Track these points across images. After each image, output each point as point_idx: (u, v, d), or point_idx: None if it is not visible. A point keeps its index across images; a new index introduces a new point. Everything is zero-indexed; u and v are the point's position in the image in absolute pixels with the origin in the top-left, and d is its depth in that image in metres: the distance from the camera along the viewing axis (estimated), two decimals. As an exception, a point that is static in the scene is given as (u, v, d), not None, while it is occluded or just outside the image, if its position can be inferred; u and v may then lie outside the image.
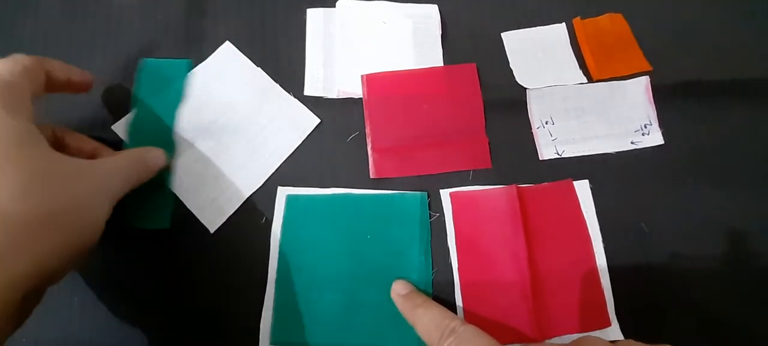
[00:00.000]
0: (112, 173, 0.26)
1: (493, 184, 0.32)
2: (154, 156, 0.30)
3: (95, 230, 0.24)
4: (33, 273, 0.20)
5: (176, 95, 0.34)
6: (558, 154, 0.34)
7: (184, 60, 0.35)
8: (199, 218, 0.31)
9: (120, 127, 0.32)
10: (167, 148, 0.32)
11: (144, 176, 0.28)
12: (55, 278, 0.23)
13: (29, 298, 0.22)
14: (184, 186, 0.32)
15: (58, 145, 0.28)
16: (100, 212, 0.24)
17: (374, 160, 0.33)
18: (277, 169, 0.32)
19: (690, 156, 0.34)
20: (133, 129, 0.32)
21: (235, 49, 0.35)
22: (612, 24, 0.38)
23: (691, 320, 0.30)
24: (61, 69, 0.28)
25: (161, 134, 0.32)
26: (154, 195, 0.31)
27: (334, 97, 0.35)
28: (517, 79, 0.36)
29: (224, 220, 0.31)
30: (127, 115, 0.33)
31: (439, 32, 0.37)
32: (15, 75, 0.24)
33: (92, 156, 0.29)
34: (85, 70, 0.30)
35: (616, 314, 0.30)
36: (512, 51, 0.37)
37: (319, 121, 0.34)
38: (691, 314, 0.30)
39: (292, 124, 0.34)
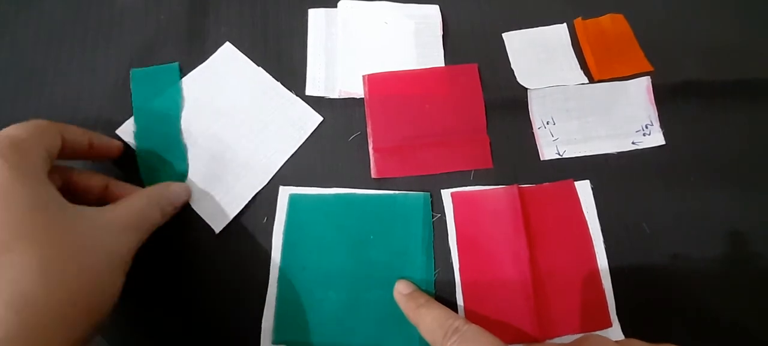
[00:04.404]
0: (131, 229, 0.24)
1: (494, 184, 0.33)
2: (176, 192, 0.29)
3: (117, 289, 0.23)
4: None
5: (174, 99, 0.34)
6: (559, 154, 0.34)
7: (173, 64, 0.35)
8: (204, 219, 0.31)
9: (125, 131, 0.32)
10: (178, 153, 0.32)
11: (168, 213, 0.28)
12: (84, 341, 0.22)
13: None
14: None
15: (67, 186, 0.27)
16: (120, 271, 0.23)
17: (375, 160, 0.33)
18: (278, 169, 0.32)
19: (691, 156, 0.34)
20: (141, 136, 0.32)
21: (236, 49, 0.35)
22: (613, 24, 0.38)
23: (692, 320, 0.30)
24: (80, 133, 0.27)
25: (170, 140, 0.32)
26: None
27: (336, 97, 0.35)
28: (519, 79, 0.36)
29: (229, 220, 0.31)
30: (130, 122, 0.33)
31: (440, 32, 0.37)
32: (27, 135, 0.23)
33: (103, 193, 0.28)
34: (112, 140, 0.30)
35: (617, 314, 0.30)
36: (513, 51, 0.37)
37: (321, 118, 0.34)
38: (692, 315, 0.30)
39: (295, 123, 0.34)
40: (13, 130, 0.23)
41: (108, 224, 0.23)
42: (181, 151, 0.32)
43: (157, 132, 0.32)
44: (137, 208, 0.25)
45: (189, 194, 0.30)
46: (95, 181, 0.28)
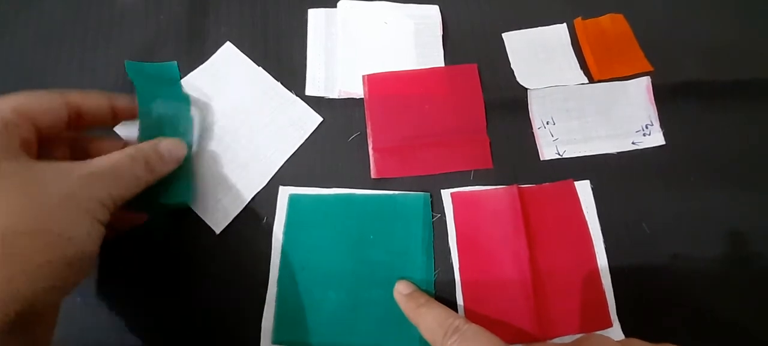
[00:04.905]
0: (99, 177, 0.23)
1: (494, 184, 0.33)
2: (167, 147, 0.27)
3: (84, 240, 0.22)
4: (8, 298, 0.19)
5: (179, 96, 0.33)
6: (559, 154, 0.34)
7: (172, 63, 0.34)
8: (204, 219, 0.31)
9: (123, 129, 0.32)
10: (185, 133, 0.31)
11: (160, 171, 0.26)
12: (50, 296, 0.21)
13: (29, 320, 0.20)
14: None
15: (71, 113, 0.26)
16: (82, 221, 0.22)
17: (375, 160, 0.33)
18: (278, 170, 0.32)
19: (691, 156, 0.34)
20: (146, 133, 0.30)
21: (236, 49, 0.35)
22: (613, 24, 0.38)
23: (692, 320, 0.30)
24: (99, 98, 0.27)
25: (176, 128, 0.31)
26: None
27: (336, 97, 0.35)
28: (518, 79, 0.36)
29: (229, 221, 0.31)
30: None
31: (440, 32, 0.37)
32: (2, 99, 0.23)
33: (109, 114, 0.27)
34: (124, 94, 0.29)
35: (617, 314, 0.30)
36: (513, 51, 0.37)
37: (321, 119, 0.34)
38: (692, 314, 0.30)
39: (294, 123, 0.34)
40: None
41: (72, 172, 0.22)
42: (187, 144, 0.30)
43: (164, 128, 0.31)
44: (112, 159, 0.24)
45: (183, 149, 0.29)
46: (101, 101, 0.27)
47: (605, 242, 0.31)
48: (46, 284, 0.20)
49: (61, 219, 0.21)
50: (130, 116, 0.29)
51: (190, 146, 0.30)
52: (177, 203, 0.30)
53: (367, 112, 0.34)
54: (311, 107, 0.34)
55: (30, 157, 0.22)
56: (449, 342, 0.24)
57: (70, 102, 0.26)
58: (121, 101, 0.28)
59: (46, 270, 0.20)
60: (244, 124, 0.34)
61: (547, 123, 0.35)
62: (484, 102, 0.35)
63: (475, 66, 0.36)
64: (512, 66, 0.36)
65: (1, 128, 0.22)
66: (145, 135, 0.29)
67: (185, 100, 0.33)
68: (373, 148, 0.33)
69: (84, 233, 0.22)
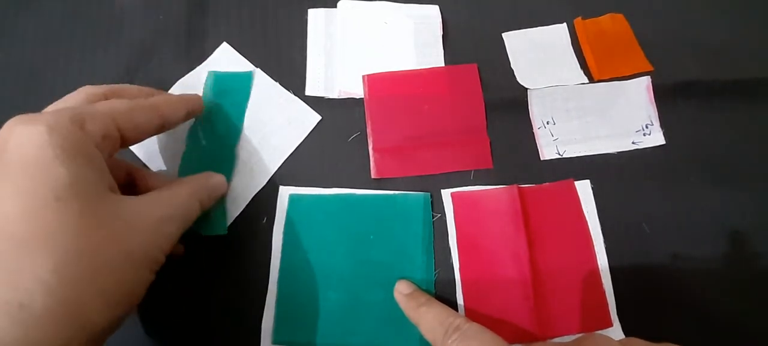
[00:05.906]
0: (169, 215, 0.22)
1: (494, 184, 0.33)
2: (217, 183, 0.28)
3: (143, 287, 0.21)
4: None
5: (237, 108, 0.34)
6: (559, 154, 0.34)
7: (248, 72, 0.35)
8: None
9: (139, 147, 0.32)
10: (228, 164, 0.32)
11: (206, 206, 0.26)
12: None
13: None
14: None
15: (130, 185, 0.26)
16: (148, 269, 0.21)
17: (375, 161, 0.33)
18: (278, 170, 0.32)
19: (691, 156, 0.34)
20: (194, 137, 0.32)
21: (232, 49, 0.35)
22: (613, 24, 0.38)
23: (692, 320, 0.30)
24: (177, 105, 0.26)
25: (222, 150, 0.32)
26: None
27: (335, 97, 0.35)
28: (519, 79, 0.36)
29: (230, 221, 0.31)
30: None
31: (440, 32, 0.37)
32: (79, 113, 0.21)
33: (183, 120, 0.27)
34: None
35: (618, 314, 0.30)
36: (513, 51, 0.37)
37: (320, 117, 0.34)
38: (692, 314, 0.30)
39: (293, 122, 0.34)
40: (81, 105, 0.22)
41: (147, 217, 0.21)
42: (230, 159, 0.32)
43: (210, 147, 0.32)
44: (180, 199, 0.23)
45: (226, 187, 0.29)
46: (159, 183, 0.26)
47: (605, 241, 0.31)
48: (95, 337, 0.19)
49: (131, 274, 0.20)
50: (198, 113, 0.30)
51: (228, 181, 0.31)
52: (211, 234, 0.30)
53: (367, 112, 0.34)
54: (311, 107, 0.34)
55: (109, 189, 0.21)
56: (450, 341, 0.24)
57: (161, 115, 0.25)
58: (193, 104, 0.28)
59: (100, 326, 0.19)
60: (242, 124, 0.33)
61: (547, 123, 0.35)
62: (484, 102, 0.35)
63: (475, 66, 0.36)
64: (512, 66, 0.36)
65: (91, 151, 0.20)
66: (188, 159, 0.31)
67: (237, 129, 0.33)
68: (373, 148, 0.33)
69: (146, 284, 0.21)
